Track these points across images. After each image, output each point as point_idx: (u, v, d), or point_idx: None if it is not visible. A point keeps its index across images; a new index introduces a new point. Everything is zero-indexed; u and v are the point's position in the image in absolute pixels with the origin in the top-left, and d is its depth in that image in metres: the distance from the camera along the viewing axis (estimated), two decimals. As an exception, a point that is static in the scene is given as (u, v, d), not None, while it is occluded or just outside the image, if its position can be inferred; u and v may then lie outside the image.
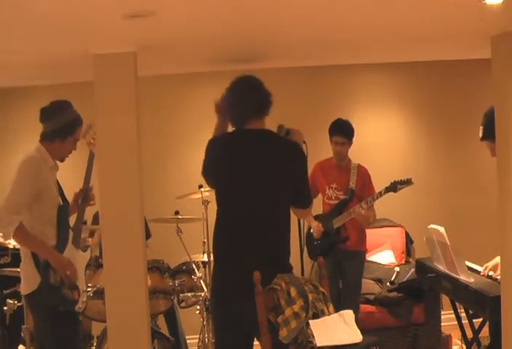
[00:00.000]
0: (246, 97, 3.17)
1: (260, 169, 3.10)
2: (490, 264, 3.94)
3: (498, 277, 3.76)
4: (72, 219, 3.65)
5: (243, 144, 3.18)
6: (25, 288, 3.42)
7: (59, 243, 3.43)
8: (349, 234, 4.68)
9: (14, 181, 3.33)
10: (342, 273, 4.69)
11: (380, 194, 4.47)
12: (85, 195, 3.66)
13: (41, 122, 3.52)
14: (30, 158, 3.41)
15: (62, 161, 3.59)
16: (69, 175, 4.16)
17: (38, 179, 3.37)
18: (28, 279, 3.39)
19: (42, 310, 3.41)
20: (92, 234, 4.95)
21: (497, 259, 3.89)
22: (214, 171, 3.22)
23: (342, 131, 4.66)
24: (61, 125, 3.47)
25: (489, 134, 3.63)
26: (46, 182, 3.42)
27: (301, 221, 3.64)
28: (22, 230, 3.28)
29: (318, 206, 4.76)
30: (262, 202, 3.10)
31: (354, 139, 4.79)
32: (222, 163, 3.18)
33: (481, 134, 3.77)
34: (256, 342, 3.16)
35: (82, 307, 3.51)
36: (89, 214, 4.72)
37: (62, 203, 3.54)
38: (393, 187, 4.43)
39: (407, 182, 4.43)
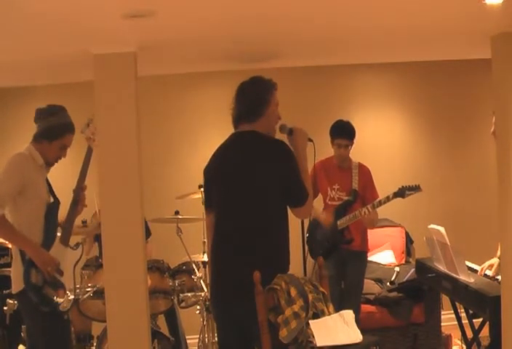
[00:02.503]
0: (236, 100, 3.25)
1: (249, 169, 3.14)
2: (486, 264, 3.95)
3: (497, 277, 3.76)
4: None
5: (229, 147, 3.25)
6: (14, 287, 3.43)
7: (45, 241, 3.43)
8: (353, 235, 4.67)
9: (0, 175, 3.36)
10: (345, 273, 4.69)
11: (388, 199, 4.44)
12: (78, 192, 3.64)
13: (34, 122, 3.56)
14: (17, 154, 3.46)
15: (50, 164, 3.58)
16: (67, 171, 4.15)
17: (24, 174, 3.38)
18: (16, 278, 3.40)
19: (30, 309, 3.41)
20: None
21: (493, 260, 3.90)
22: (210, 176, 3.29)
23: (345, 133, 4.65)
24: (49, 126, 3.49)
25: None
26: (32, 178, 3.42)
27: (303, 221, 3.63)
28: (4, 222, 3.29)
29: (319, 207, 4.76)
30: (254, 203, 3.12)
31: (355, 139, 4.79)
32: (215, 168, 3.26)
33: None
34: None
35: (67, 306, 3.46)
36: (88, 213, 4.72)
37: (52, 200, 3.53)
38: (402, 192, 4.40)
39: (415, 189, 4.40)
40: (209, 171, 3.30)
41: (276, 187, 3.11)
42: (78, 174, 3.63)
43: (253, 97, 3.20)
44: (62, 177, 3.91)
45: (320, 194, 4.82)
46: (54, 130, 3.50)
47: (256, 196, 3.12)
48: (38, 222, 3.43)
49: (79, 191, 3.64)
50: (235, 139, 3.25)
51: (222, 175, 3.20)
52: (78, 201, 3.63)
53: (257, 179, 3.12)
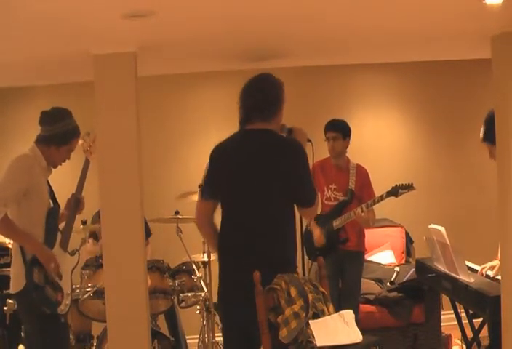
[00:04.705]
0: (248, 97, 3.15)
1: (257, 167, 3.09)
2: (487, 265, 3.94)
3: (497, 277, 3.76)
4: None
5: (240, 144, 3.18)
6: (13, 287, 3.42)
7: (46, 244, 3.42)
8: (349, 235, 4.68)
9: (5, 175, 3.35)
10: (342, 273, 4.70)
11: (381, 198, 4.46)
12: (77, 201, 3.66)
13: (39, 125, 3.54)
14: (23, 155, 3.44)
15: (54, 167, 3.59)
16: (66, 180, 4.16)
17: (29, 175, 3.37)
18: (16, 278, 3.39)
19: (29, 310, 3.40)
20: (91, 235, 4.94)
21: (494, 262, 3.90)
22: (215, 175, 3.22)
23: (332, 126, 4.72)
24: (58, 132, 3.48)
25: (489, 137, 3.62)
26: (36, 180, 3.41)
27: (303, 221, 3.63)
28: (7, 222, 3.29)
29: (317, 206, 4.76)
30: (260, 201, 3.09)
31: (354, 139, 4.80)
32: (221, 166, 3.19)
33: (481, 135, 3.77)
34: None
35: (65, 310, 3.46)
36: (88, 213, 4.72)
37: (52, 205, 3.54)
38: (395, 191, 4.43)
39: (409, 187, 4.43)
40: (218, 163, 3.19)
41: (289, 186, 3.07)
42: (76, 184, 3.66)
43: (271, 96, 3.13)
44: (61, 183, 3.91)
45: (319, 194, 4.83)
46: (62, 136, 3.49)
47: (267, 195, 3.08)
48: (39, 225, 3.43)
49: (78, 200, 3.65)
50: (250, 137, 3.15)
51: (235, 173, 3.12)
52: (76, 209, 3.65)
53: (271, 179, 3.07)
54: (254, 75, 3.20)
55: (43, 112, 3.55)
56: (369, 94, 5.95)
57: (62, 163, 3.61)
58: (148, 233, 4.87)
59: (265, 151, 3.11)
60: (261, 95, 3.12)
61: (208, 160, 3.28)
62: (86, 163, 3.71)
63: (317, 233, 4.68)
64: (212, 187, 3.24)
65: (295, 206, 3.19)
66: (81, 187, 3.67)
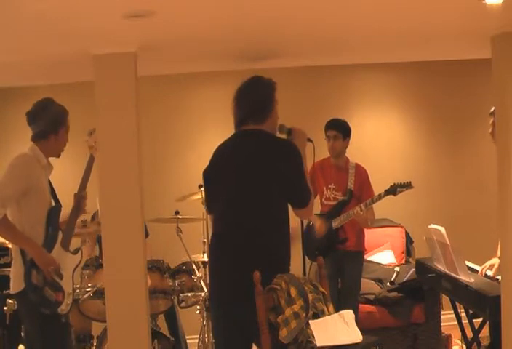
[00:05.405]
0: (242, 99, 3.22)
1: (252, 168, 3.12)
2: (487, 264, 3.95)
3: (497, 277, 3.76)
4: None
5: (235, 145, 3.23)
6: (13, 287, 3.42)
7: (46, 244, 3.41)
8: (348, 235, 4.68)
9: (4, 175, 3.35)
10: (341, 273, 4.70)
11: (380, 197, 4.48)
12: (79, 200, 3.65)
13: (29, 125, 3.53)
14: (22, 155, 3.43)
15: (58, 156, 3.59)
16: (68, 178, 4.16)
17: (29, 175, 3.37)
18: (16, 278, 3.39)
19: (29, 310, 3.40)
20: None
21: (493, 261, 3.90)
22: (212, 175, 3.27)
23: (332, 125, 4.73)
24: (49, 121, 3.48)
25: None
26: (36, 179, 3.41)
27: (303, 220, 3.63)
28: (7, 224, 3.28)
29: (316, 207, 4.75)
30: (260, 201, 3.10)
31: (354, 139, 4.80)
32: (217, 166, 3.24)
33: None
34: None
35: (66, 309, 3.45)
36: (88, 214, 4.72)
37: (54, 204, 3.53)
38: (393, 190, 4.44)
39: (407, 186, 4.45)
40: (212, 171, 3.26)
41: (281, 187, 3.10)
42: (80, 181, 3.65)
43: (261, 97, 3.19)
44: (62, 180, 3.91)
45: (318, 194, 4.82)
46: (56, 122, 3.50)
47: (261, 196, 3.11)
48: (39, 225, 3.42)
49: (80, 199, 3.65)
50: (242, 138, 3.22)
51: (228, 174, 3.16)
52: (78, 207, 3.64)
53: (264, 179, 3.10)
54: (247, 78, 3.26)
55: (26, 113, 3.54)
56: (369, 94, 5.95)
57: (59, 167, 3.60)
58: (145, 234, 4.87)
59: (262, 152, 3.15)
60: (254, 98, 3.19)
61: (206, 161, 3.30)
62: (91, 159, 3.70)
63: (318, 224, 4.67)
64: (213, 198, 3.28)
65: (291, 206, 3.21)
66: (86, 182, 3.66)
